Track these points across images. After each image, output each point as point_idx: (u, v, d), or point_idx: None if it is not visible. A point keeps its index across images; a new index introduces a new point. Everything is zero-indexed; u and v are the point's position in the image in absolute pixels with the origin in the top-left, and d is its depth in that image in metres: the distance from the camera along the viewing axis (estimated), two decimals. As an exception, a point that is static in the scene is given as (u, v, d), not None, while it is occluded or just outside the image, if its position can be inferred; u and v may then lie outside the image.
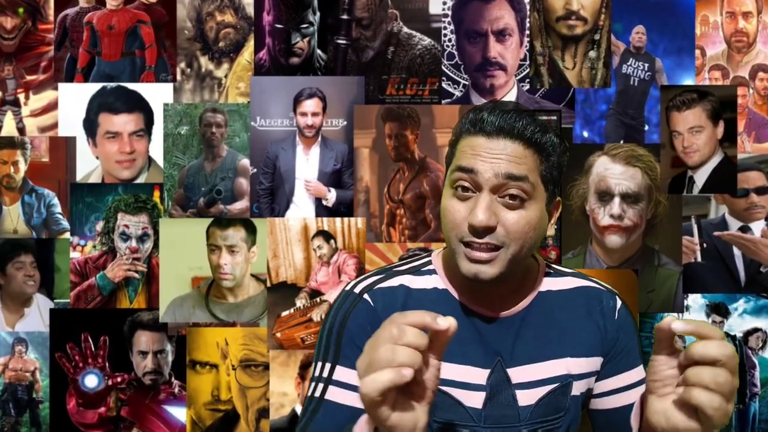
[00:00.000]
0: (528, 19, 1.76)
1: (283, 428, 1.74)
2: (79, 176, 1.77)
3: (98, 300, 1.76)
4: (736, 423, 1.77)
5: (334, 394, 0.87)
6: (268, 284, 1.75)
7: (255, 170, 1.76)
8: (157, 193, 1.77)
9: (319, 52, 1.77)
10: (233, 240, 1.74)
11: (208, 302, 1.75)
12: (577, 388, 0.93)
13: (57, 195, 1.77)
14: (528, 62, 1.76)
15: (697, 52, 1.77)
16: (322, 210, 1.76)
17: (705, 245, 1.75)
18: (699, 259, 1.76)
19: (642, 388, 0.95)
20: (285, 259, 1.75)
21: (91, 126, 1.76)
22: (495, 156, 0.83)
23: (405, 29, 1.76)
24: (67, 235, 1.76)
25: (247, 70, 1.77)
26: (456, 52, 1.76)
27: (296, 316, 1.75)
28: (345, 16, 1.75)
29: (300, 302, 1.75)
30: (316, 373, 0.91)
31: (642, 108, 1.76)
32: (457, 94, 1.76)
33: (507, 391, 0.90)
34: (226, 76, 1.77)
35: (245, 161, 1.77)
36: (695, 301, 1.76)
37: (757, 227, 1.75)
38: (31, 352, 1.77)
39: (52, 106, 1.77)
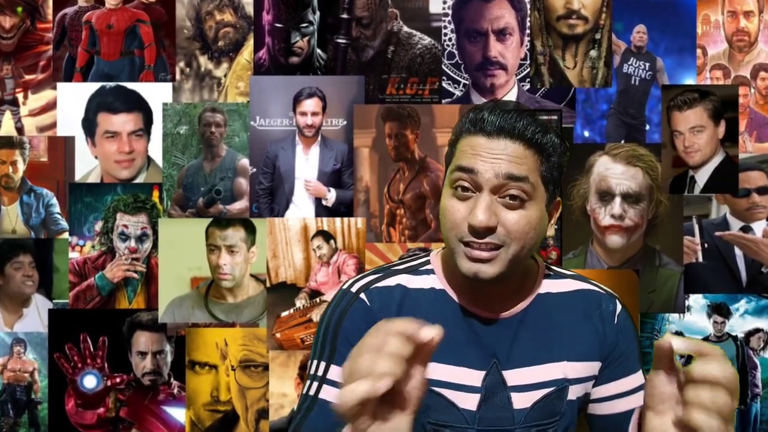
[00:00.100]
0: (528, 18, 1.75)
1: (283, 429, 1.74)
2: (78, 176, 1.77)
3: (97, 300, 1.75)
4: (738, 424, 1.77)
5: (328, 393, 0.87)
6: (268, 284, 1.75)
7: (254, 170, 1.76)
8: (156, 193, 1.76)
9: (318, 51, 1.76)
10: (233, 240, 1.73)
11: (207, 302, 1.75)
12: (574, 393, 0.92)
13: (56, 195, 1.77)
14: (528, 61, 1.76)
15: (699, 51, 1.77)
16: (321, 210, 1.76)
17: (706, 245, 1.75)
18: (700, 259, 1.75)
19: (641, 395, 0.94)
20: (284, 260, 1.75)
21: (89, 125, 1.76)
22: (495, 156, 0.82)
23: (405, 28, 1.76)
24: (66, 235, 1.76)
25: (246, 70, 1.77)
26: (456, 52, 1.76)
27: (296, 317, 1.74)
28: (345, 16, 1.75)
29: (300, 302, 1.75)
30: (312, 371, 0.91)
31: (643, 107, 1.76)
32: (458, 93, 1.76)
33: (502, 393, 0.89)
34: (225, 76, 1.77)
35: (245, 161, 1.76)
36: (696, 301, 1.76)
37: (758, 227, 1.75)
38: (30, 352, 1.77)
39: (51, 106, 1.77)
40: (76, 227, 1.76)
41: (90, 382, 1.74)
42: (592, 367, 0.93)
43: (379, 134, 1.75)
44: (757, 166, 1.76)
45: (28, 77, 1.78)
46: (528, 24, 1.76)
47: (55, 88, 1.77)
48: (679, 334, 1.78)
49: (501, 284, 0.86)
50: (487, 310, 0.91)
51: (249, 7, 1.77)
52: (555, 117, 1.75)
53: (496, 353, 0.90)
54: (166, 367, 1.75)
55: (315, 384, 0.89)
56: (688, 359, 0.64)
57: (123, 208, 1.75)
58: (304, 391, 0.90)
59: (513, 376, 0.90)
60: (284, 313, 1.75)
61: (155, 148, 1.77)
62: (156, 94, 1.76)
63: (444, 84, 1.76)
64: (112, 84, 1.76)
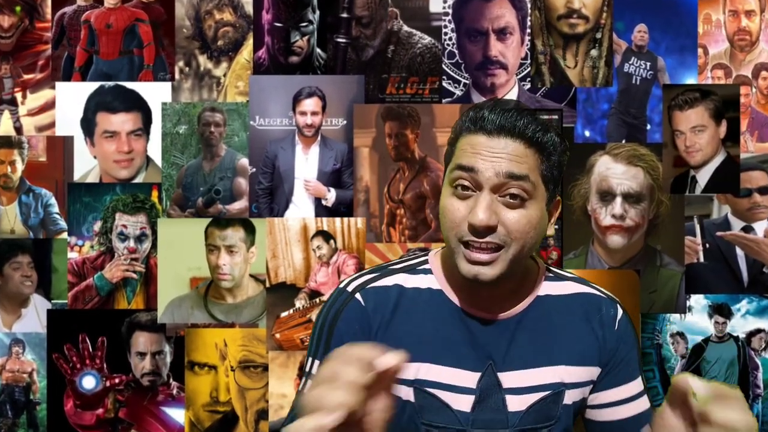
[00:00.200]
0: (529, 18, 1.75)
1: (283, 430, 1.73)
2: (77, 176, 1.77)
3: (96, 300, 1.75)
4: (739, 425, 1.76)
5: None
6: (267, 285, 1.75)
7: (254, 170, 1.76)
8: (155, 193, 1.76)
9: (318, 50, 1.76)
10: (232, 240, 1.73)
11: (206, 303, 1.75)
12: (570, 397, 0.91)
13: (54, 195, 1.77)
14: (529, 61, 1.76)
15: (700, 50, 1.77)
16: (321, 210, 1.76)
17: (707, 245, 1.75)
18: (701, 259, 1.75)
19: (641, 401, 0.94)
20: (284, 260, 1.75)
21: (88, 125, 1.76)
22: (496, 155, 0.82)
23: (405, 28, 1.76)
24: (65, 235, 1.76)
25: (246, 69, 1.77)
26: (456, 51, 1.76)
27: (295, 317, 1.74)
28: (345, 15, 1.75)
29: (299, 303, 1.74)
30: (307, 369, 0.92)
31: (644, 107, 1.76)
32: (458, 93, 1.76)
33: (497, 395, 0.89)
34: (224, 75, 1.77)
35: (244, 161, 1.76)
36: (698, 301, 1.76)
37: (760, 227, 1.75)
38: (28, 353, 1.76)
39: (50, 105, 1.77)
40: (75, 227, 1.76)
41: (89, 382, 1.73)
42: (589, 372, 0.93)
43: (379, 134, 1.75)
44: (758, 165, 1.76)
45: (26, 77, 1.78)
46: (528, 23, 1.76)
47: (53, 87, 1.77)
48: (680, 334, 1.78)
49: (500, 285, 0.86)
50: (485, 310, 0.91)
51: (248, 7, 1.77)
52: (556, 117, 1.75)
53: (491, 355, 0.90)
54: (165, 367, 1.75)
55: (309, 382, 0.89)
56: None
57: (122, 208, 1.75)
58: (300, 388, 0.92)
59: (509, 379, 0.89)
60: (284, 314, 1.74)
61: (154, 148, 1.77)
62: (155, 93, 1.76)
63: (444, 83, 1.76)
64: (111, 83, 1.76)
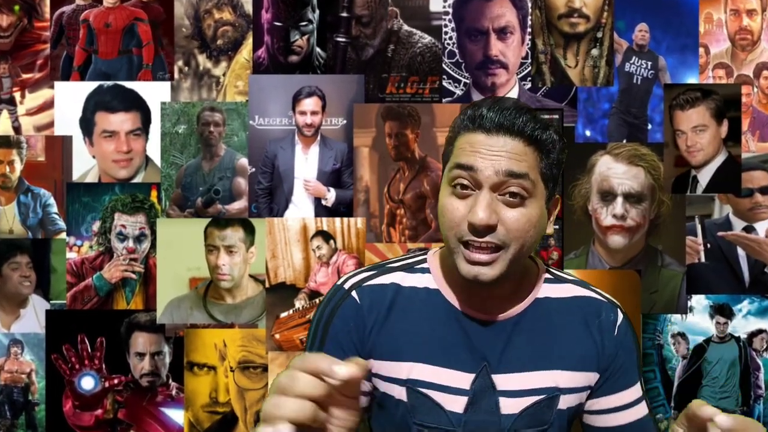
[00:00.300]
0: (529, 17, 1.75)
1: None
2: (76, 176, 1.76)
3: (95, 301, 1.75)
4: (741, 425, 1.76)
5: None
6: (267, 285, 1.75)
7: (253, 170, 1.76)
8: (154, 193, 1.76)
9: (318, 50, 1.76)
10: (231, 240, 1.73)
11: (206, 303, 1.74)
12: (565, 402, 0.91)
13: (53, 195, 1.77)
14: (530, 60, 1.76)
15: (701, 50, 1.76)
16: (321, 210, 1.76)
17: (709, 245, 1.75)
18: (703, 259, 1.75)
19: (640, 407, 0.93)
20: (284, 260, 1.75)
21: (87, 125, 1.76)
22: (495, 153, 0.82)
23: (405, 27, 1.76)
24: (64, 235, 1.76)
25: (245, 69, 1.77)
26: (457, 50, 1.76)
27: (295, 317, 1.74)
28: (344, 14, 1.75)
29: (299, 303, 1.74)
30: None
31: (645, 107, 1.76)
32: (458, 92, 1.76)
33: (491, 397, 0.89)
34: (224, 75, 1.77)
35: (243, 160, 1.76)
36: (699, 302, 1.76)
37: (761, 227, 1.75)
38: (27, 353, 1.76)
39: (48, 105, 1.77)
40: (74, 227, 1.76)
41: (88, 383, 1.73)
42: (587, 378, 0.92)
43: (379, 133, 1.75)
44: (760, 165, 1.76)
45: (25, 76, 1.78)
46: (529, 22, 1.75)
47: (52, 87, 1.77)
48: (681, 335, 1.77)
49: (499, 286, 0.86)
50: (482, 311, 0.90)
51: (248, 6, 1.76)
52: (556, 116, 1.74)
53: (486, 356, 0.89)
54: (165, 368, 1.75)
55: None
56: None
57: (121, 208, 1.75)
58: None
59: (503, 381, 0.89)
60: (283, 314, 1.74)
61: (153, 148, 1.77)
62: (154, 93, 1.76)
63: (444, 83, 1.76)
64: (109, 83, 1.76)
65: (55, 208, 1.77)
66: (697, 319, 1.77)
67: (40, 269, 1.77)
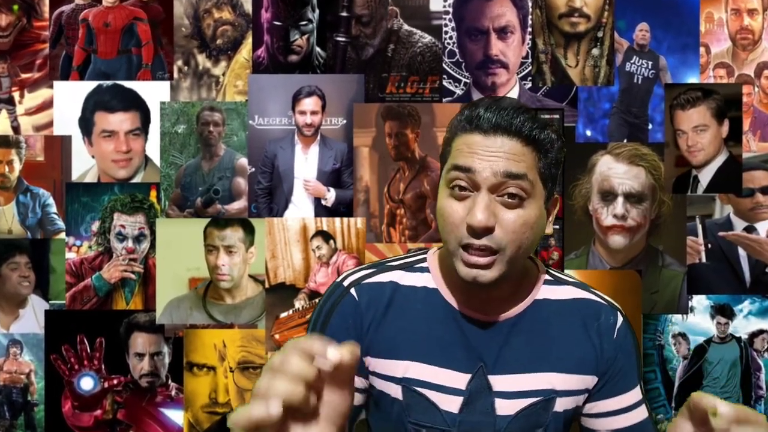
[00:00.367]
0: (530, 16, 1.75)
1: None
2: (75, 176, 1.76)
3: (94, 301, 1.75)
4: (742, 426, 1.76)
5: None
6: (267, 285, 1.74)
7: (253, 169, 1.76)
8: (153, 193, 1.76)
9: (318, 49, 1.76)
10: (231, 240, 1.73)
11: (205, 303, 1.74)
12: (561, 405, 0.90)
13: (52, 195, 1.77)
14: (530, 60, 1.76)
15: (702, 49, 1.76)
16: (321, 210, 1.75)
17: (710, 245, 1.75)
18: (703, 259, 1.75)
19: (639, 411, 0.93)
20: (283, 260, 1.75)
21: (86, 125, 1.76)
22: (493, 154, 0.82)
23: (405, 26, 1.76)
24: (63, 235, 1.76)
25: (245, 68, 1.77)
26: (457, 50, 1.76)
27: (295, 318, 1.74)
28: (344, 14, 1.75)
29: (299, 303, 1.74)
30: None
31: (646, 106, 1.76)
32: (458, 92, 1.76)
33: (486, 398, 0.89)
34: (223, 74, 1.77)
35: (243, 160, 1.76)
36: (700, 302, 1.75)
37: (762, 227, 1.75)
38: (26, 354, 1.76)
39: (47, 105, 1.77)
40: (73, 227, 1.76)
41: (87, 383, 1.73)
42: (584, 381, 0.92)
43: (379, 133, 1.75)
44: (761, 165, 1.76)
45: (24, 76, 1.78)
46: (529, 22, 1.75)
47: (51, 86, 1.77)
48: (682, 335, 1.77)
49: (499, 287, 0.86)
50: (480, 312, 0.90)
51: (247, 5, 1.76)
52: (557, 116, 1.74)
53: (483, 357, 0.89)
54: (164, 368, 1.75)
55: None
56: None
57: (120, 208, 1.75)
58: None
59: (499, 382, 0.89)
60: (283, 314, 1.74)
61: (153, 148, 1.77)
62: (153, 92, 1.76)
63: (444, 82, 1.76)
64: (109, 83, 1.76)
65: (54, 208, 1.77)
66: (697, 319, 1.77)
67: (39, 269, 1.77)
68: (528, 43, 1.77)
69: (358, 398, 0.94)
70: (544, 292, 0.94)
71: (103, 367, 1.75)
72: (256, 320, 1.76)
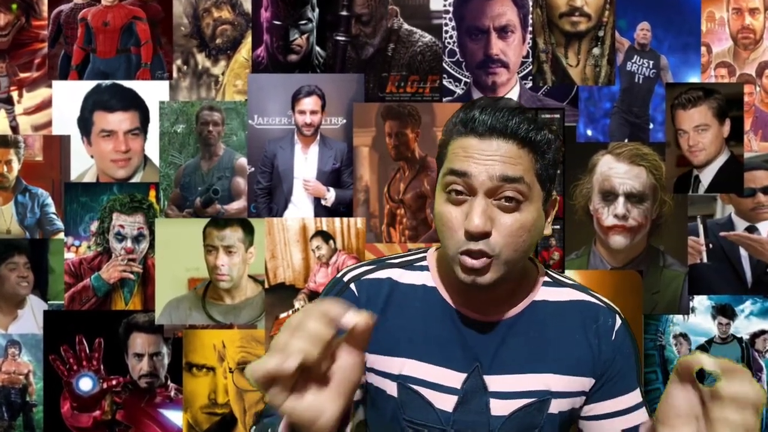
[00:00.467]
0: (531, 16, 1.75)
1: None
2: (74, 175, 1.77)
3: (93, 301, 1.75)
4: (743, 427, 1.76)
5: None
6: (266, 285, 1.74)
7: (252, 169, 1.76)
8: (152, 193, 1.76)
9: (317, 49, 1.76)
10: (230, 240, 1.73)
11: (204, 304, 1.74)
12: (556, 407, 0.90)
13: (51, 194, 1.77)
14: (531, 59, 1.76)
15: (703, 49, 1.77)
16: (321, 210, 1.75)
17: (711, 246, 1.75)
18: (705, 259, 1.75)
19: (638, 414, 0.92)
20: (283, 260, 1.75)
21: (85, 124, 1.76)
22: (489, 157, 0.82)
23: (405, 26, 1.76)
24: (62, 235, 1.76)
25: (244, 68, 1.77)
26: (457, 49, 1.76)
27: (295, 318, 1.73)
28: (344, 13, 1.75)
29: (298, 304, 1.74)
30: None
31: (647, 106, 1.76)
32: (459, 91, 1.76)
33: (481, 398, 0.89)
34: (223, 74, 1.77)
35: (243, 160, 1.76)
36: (701, 302, 1.75)
37: (764, 227, 1.76)
38: (25, 354, 1.76)
39: (46, 104, 1.77)
40: (72, 227, 1.76)
41: (86, 384, 1.73)
42: (581, 383, 0.92)
43: (379, 133, 1.75)
44: (762, 165, 1.76)
45: (22, 75, 1.78)
46: (530, 21, 1.75)
47: (50, 86, 1.77)
48: (683, 336, 1.77)
49: (497, 288, 0.86)
50: (478, 312, 0.91)
51: (247, 4, 1.76)
52: (557, 115, 1.74)
53: (479, 357, 0.90)
54: (163, 369, 1.75)
55: None
56: (701, 375, 0.64)
57: (119, 208, 1.75)
58: None
59: (494, 382, 0.89)
60: (283, 315, 1.74)
61: (152, 147, 1.77)
62: (153, 92, 1.76)
63: (445, 82, 1.76)
64: (108, 82, 1.76)
65: (52, 208, 1.77)
66: (699, 319, 1.77)
67: (38, 269, 1.77)
68: (528, 43, 1.77)
69: (357, 393, 0.94)
70: (543, 293, 0.94)
71: (102, 367, 1.75)
72: (256, 321, 1.76)
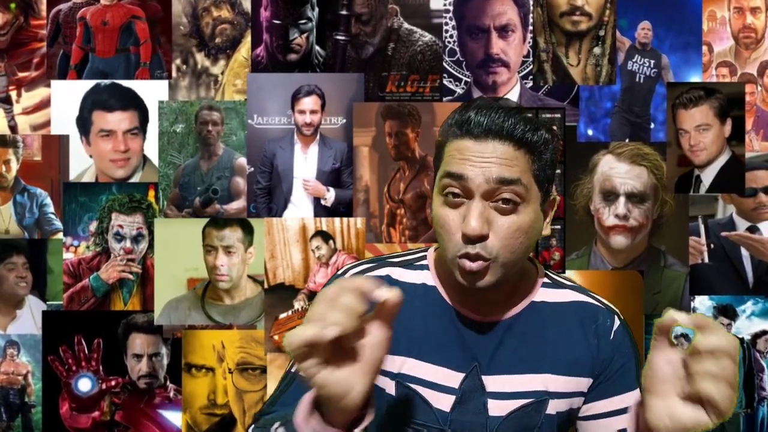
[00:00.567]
0: (531, 15, 1.76)
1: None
2: (73, 175, 1.77)
3: (92, 302, 1.76)
4: (745, 427, 1.77)
5: None
6: (266, 286, 1.75)
7: (252, 169, 1.76)
8: (152, 193, 1.76)
9: (317, 48, 1.76)
10: (230, 240, 1.73)
11: (204, 304, 1.74)
12: (554, 407, 0.91)
13: (50, 194, 1.78)
14: (531, 59, 1.76)
15: (704, 48, 1.77)
16: (320, 210, 1.75)
17: (712, 246, 1.75)
18: (706, 260, 1.75)
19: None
20: (283, 260, 1.75)
21: (84, 124, 1.77)
22: (485, 160, 0.82)
23: (405, 25, 1.76)
24: (60, 235, 1.76)
25: (244, 67, 1.77)
26: (457, 49, 1.76)
27: (294, 318, 1.74)
28: (344, 12, 1.76)
29: (298, 304, 1.74)
30: None
31: (648, 105, 1.76)
32: (459, 91, 1.76)
33: (479, 398, 0.89)
34: (222, 73, 1.77)
35: (242, 160, 1.76)
36: (702, 303, 1.76)
37: (765, 227, 1.76)
38: (23, 355, 1.77)
39: (45, 104, 1.78)
40: (71, 227, 1.76)
41: (85, 385, 1.74)
42: (579, 383, 0.92)
43: (379, 133, 1.75)
44: (763, 165, 1.77)
45: (21, 75, 1.78)
46: (531, 20, 1.76)
47: (49, 85, 1.78)
48: (684, 336, 1.77)
49: (496, 289, 0.87)
50: (476, 312, 0.92)
51: (246, 4, 1.77)
52: (558, 115, 1.74)
53: (478, 357, 0.90)
54: (162, 369, 1.75)
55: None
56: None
57: (118, 208, 1.75)
58: (287, 369, 0.93)
59: (493, 383, 0.90)
60: (282, 315, 1.74)
61: (151, 147, 1.77)
62: (152, 91, 1.76)
63: (445, 81, 1.76)
64: (107, 81, 1.76)
65: (51, 208, 1.77)
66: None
67: (37, 270, 1.78)
68: (529, 42, 1.77)
69: None
70: (542, 294, 0.95)
71: (101, 368, 1.75)
72: (255, 321, 1.76)
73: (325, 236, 1.77)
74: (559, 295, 0.95)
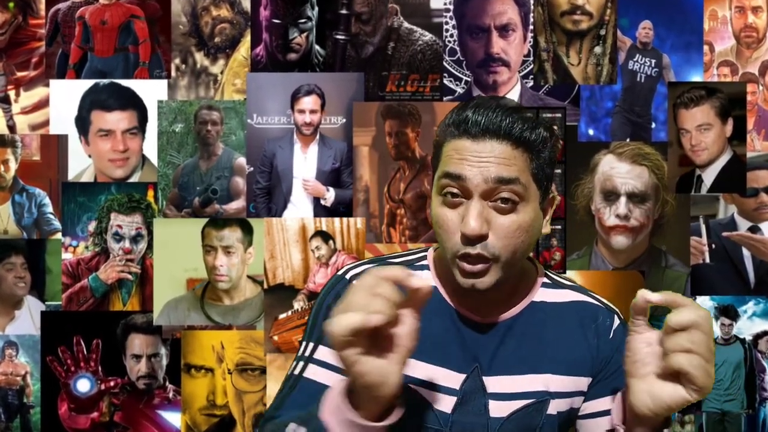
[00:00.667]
0: (532, 14, 1.76)
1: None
2: (71, 175, 1.77)
3: (91, 302, 1.76)
4: (746, 428, 1.77)
5: (313, 372, 0.89)
6: (265, 286, 1.75)
7: (251, 169, 1.76)
8: (151, 193, 1.77)
9: (317, 47, 1.76)
10: (229, 241, 1.74)
11: (203, 304, 1.75)
12: (555, 407, 0.91)
13: (48, 194, 1.78)
14: (532, 58, 1.76)
15: (706, 47, 1.77)
16: (320, 210, 1.76)
17: (713, 246, 1.76)
18: (707, 260, 1.76)
19: None
20: (282, 261, 1.75)
21: (83, 123, 1.77)
22: (483, 159, 0.82)
23: (405, 24, 1.76)
24: (59, 235, 1.76)
25: (243, 66, 1.77)
26: (458, 48, 1.76)
27: (294, 319, 1.74)
28: (344, 11, 1.76)
29: (298, 304, 1.75)
30: (299, 353, 0.93)
31: (649, 105, 1.77)
32: (459, 90, 1.76)
33: (480, 399, 0.90)
34: (221, 73, 1.77)
35: (241, 160, 1.76)
36: (703, 303, 1.76)
37: (766, 227, 1.76)
38: (22, 355, 1.77)
39: (44, 103, 1.78)
40: (69, 227, 1.76)
41: (83, 385, 1.74)
42: (579, 383, 0.93)
43: (379, 132, 1.76)
44: (765, 164, 1.77)
45: (20, 74, 1.79)
46: (531, 20, 1.76)
47: (47, 85, 1.78)
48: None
49: (496, 290, 0.88)
50: (476, 313, 0.92)
51: (246, 3, 1.77)
52: (559, 115, 1.74)
53: (478, 357, 0.91)
54: (161, 370, 1.76)
55: (301, 364, 0.91)
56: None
57: (117, 208, 1.75)
58: (289, 372, 0.93)
59: (493, 383, 0.90)
60: (282, 315, 1.75)
61: (150, 147, 1.77)
62: (151, 91, 1.77)
63: (445, 81, 1.76)
64: (105, 81, 1.77)
65: (50, 208, 1.78)
66: (701, 320, 1.76)
67: (35, 270, 1.78)
68: (530, 41, 1.77)
69: None
70: (542, 294, 0.95)
71: (99, 368, 1.75)
72: (255, 321, 1.76)
73: (325, 236, 1.77)
74: (558, 295, 0.95)
